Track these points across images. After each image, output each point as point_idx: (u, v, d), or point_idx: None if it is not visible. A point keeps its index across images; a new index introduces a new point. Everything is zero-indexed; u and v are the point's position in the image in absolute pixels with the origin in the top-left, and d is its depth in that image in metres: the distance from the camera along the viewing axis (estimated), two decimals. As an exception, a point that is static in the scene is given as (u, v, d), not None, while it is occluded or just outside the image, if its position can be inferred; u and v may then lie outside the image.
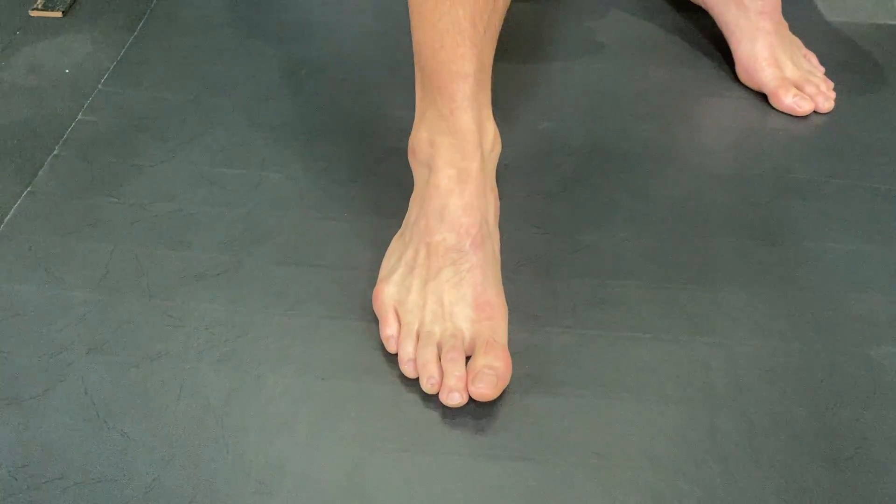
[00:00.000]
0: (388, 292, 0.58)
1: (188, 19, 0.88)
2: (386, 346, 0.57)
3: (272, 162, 0.72)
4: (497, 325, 0.56)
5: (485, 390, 0.52)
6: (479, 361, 0.53)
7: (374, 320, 0.59)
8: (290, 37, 0.86)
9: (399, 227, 0.62)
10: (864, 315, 0.61)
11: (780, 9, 0.80)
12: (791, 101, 0.77)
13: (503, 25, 0.59)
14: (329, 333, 0.59)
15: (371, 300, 0.59)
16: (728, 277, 0.63)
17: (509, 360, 0.54)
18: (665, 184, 0.71)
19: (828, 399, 0.55)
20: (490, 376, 0.53)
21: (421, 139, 0.59)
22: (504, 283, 0.60)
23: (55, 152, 0.72)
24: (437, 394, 0.54)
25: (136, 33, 0.87)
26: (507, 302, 0.59)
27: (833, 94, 0.79)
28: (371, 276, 0.61)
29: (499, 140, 0.61)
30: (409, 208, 0.61)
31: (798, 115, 0.77)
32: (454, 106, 0.55)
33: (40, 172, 0.71)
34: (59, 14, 0.91)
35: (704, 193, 0.70)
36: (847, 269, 0.64)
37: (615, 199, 0.69)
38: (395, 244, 0.62)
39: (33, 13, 0.92)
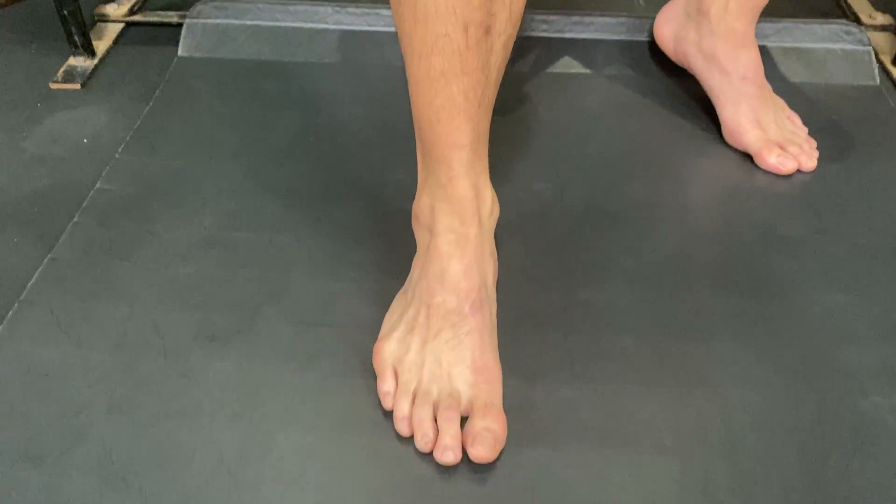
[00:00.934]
0: (388, 349, 0.60)
1: (201, 90, 0.93)
2: (382, 402, 0.59)
3: (281, 225, 0.75)
4: (494, 388, 0.58)
5: (483, 452, 0.55)
6: (478, 424, 0.56)
7: (380, 377, 0.62)
8: (298, 106, 0.90)
9: (402, 285, 0.66)
10: (850, 366, 0.63)
11: (762, 73, 0.84)
12: (775, 160, 0.81)
13: (500, 91, 0.62)
14: (337, 390, 0.61)
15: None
16: (718, 331, 0.66)
17: (505, 423, 0.57)
18: (656, 241, 0.74)
19: (817, 449, 0.58)
20: (488, 438, 0.55)
21: (423, 206, 0.62)
22: (503, 338, 0.63)
23: (75, 220, 0.76)
24: (431, 452, 0.56)
25: (151, 103, 0.91)
26: (506, 356, 0.61)
27: (816, 153, 0.83)
28: (376, 335, 0.64)
29: (497, 205, 0.64)
30: (411, 269, 0.65)
31: (782, 173, 0.81)
32: (452, 174, 0.59)
33: (60, 239, 0.74)
34: (78, 86, 0.96)
35: (694, 250, 0.73)
36: (832, 321, 0.67)
37: (609, 255, 0.73)
38: (397, 302, 0.65)
39: (53, 86, 0.96)
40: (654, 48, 0.95)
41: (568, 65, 0.97)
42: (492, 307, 0.63)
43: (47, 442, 0.57)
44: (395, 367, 0.60)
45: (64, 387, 0.61)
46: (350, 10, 1.00)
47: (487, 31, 0.55)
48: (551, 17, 0.98)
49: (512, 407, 0.59)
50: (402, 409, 0.58)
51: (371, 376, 0.62)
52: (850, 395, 0.61)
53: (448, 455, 0.55)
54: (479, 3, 0.53)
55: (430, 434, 0.56)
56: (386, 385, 0.59)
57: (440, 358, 0.59)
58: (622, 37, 0.97)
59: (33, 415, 0.59)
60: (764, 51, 0.95)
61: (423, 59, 0.56)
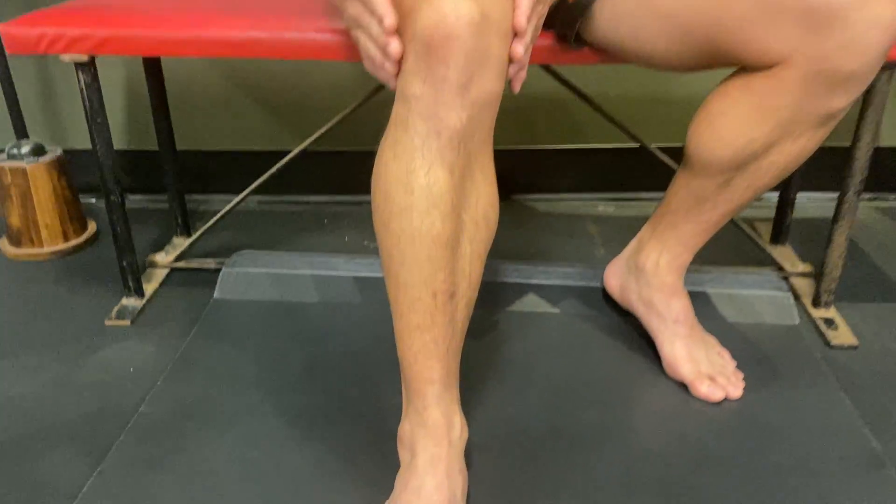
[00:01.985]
0: None
1: (231, 327, 1.12)
2: None
3: (291, 444, 0.90)
4: None
5: None
6: None
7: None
8: (312, 341, 1.09)
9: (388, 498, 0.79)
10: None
11: (692, 316, 1.02)
12: (706, 390, 0.97)
13: (477, 327, 0.79)
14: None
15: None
16: (654, 539, 0.78)
17: None
18: (606, 460, 0.88)
19: None
20: None
21: (405, 430, 0.78)
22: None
23: (120, 439, 0.91)
24: None
25: (189, 338, 1.10)
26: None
27: (742, 384, 0.99)
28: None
29: (465, 429, 0.80)
30: (395, 484, 0.79)
31: (713, 401, 0.97)
32: (427, 404, 0.75)
33: (107, 456, 0.89)
34: (128, 323, 1.15)
35: (638, 468, 0.87)
36: (750, 531, 0.79)
37: (565, 473, 0.86)
38: None
39: (108, 322, 1.16)
40: (607, 293, 1.14)
41: (535, 305, 1.16)
42: None
43: None
44: None
45: (104, 583, 0.73)
46: (358, 260, 1.21)
47: (452, 295, 0.74)
48: (521, 267, 1.19)
49: None
50: None
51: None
52: None
53: None
54: (444, 277, 0.72)
55: None
56: None
57: None
58: (580, 283, 1.17)
59: None
60: (701, 295, 1.14)
61: (404, 316, 0.74)
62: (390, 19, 0.69)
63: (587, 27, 0.93)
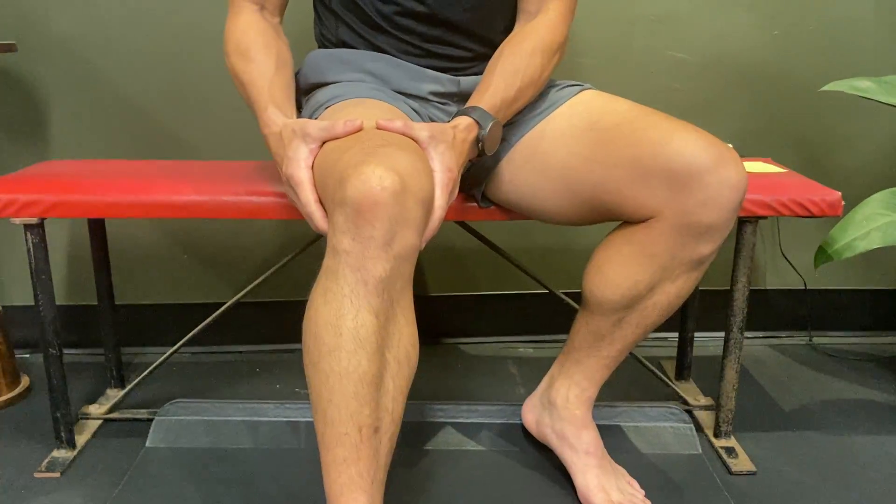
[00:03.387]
0: None
1: (163, 475, 1.14)
2: None
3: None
4: None
5: None
6: None
7: None
8: (241, 484, 1.12)
9: None
10: None
11: (601, 447, 1.10)
12: (619, 519, 1.04)
13: (404, 464, 0.84)
14: None
15: None
16: None
17: None
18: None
19: None
20: None
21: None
22: None
23: (46, 589, 0.92)
24: None
25: (119, 487, 1.11)
26: None
27: (650, 511, 1.06)
28: None
29: None
30: None
31: (624, 528, 1.03)
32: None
33: None
34: (58, 475, 1.16)
35: None
36: None
37: None
38: None
39: (37, 475, 1.16)
40: (526, 429, 1.22)
41: (458, 443, 1.22)
42: None
43: None
44: None
45: None
46: (288, 405, 1.27)
47: (376, 430, 0.81)
48: (446, 406, 1.27)
49: None
50: None
51: None
52: None
53: None
54: (370, 412, 0.79)
55: None
56: None
57: None
58: (501, 421, 1.25)
59: None
60: (612, 428, 1.23)
61: (331, 450, 0.81)
62: (321, 224, 0.86)
63: (492, 188, 1.07)
